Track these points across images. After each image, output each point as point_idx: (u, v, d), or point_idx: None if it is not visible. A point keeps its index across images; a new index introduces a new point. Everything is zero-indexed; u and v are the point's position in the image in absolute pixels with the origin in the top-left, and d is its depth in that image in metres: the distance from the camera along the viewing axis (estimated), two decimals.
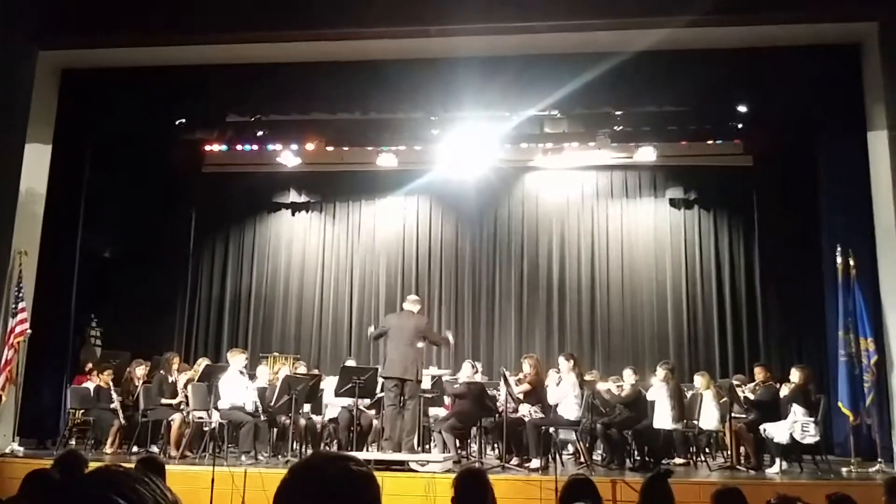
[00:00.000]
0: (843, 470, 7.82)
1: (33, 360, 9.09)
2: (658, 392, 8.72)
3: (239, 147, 11.71)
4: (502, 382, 8.47)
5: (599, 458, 8.86)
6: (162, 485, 1.15)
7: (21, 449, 8.57)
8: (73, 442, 9.48)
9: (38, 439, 9.32)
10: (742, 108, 9.85)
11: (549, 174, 12.71)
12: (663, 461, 8.39)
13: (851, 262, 8.19)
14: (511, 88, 9.09)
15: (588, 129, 10.58)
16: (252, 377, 9.32)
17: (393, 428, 7.85)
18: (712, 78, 9.06)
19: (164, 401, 9.02)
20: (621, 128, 10.42)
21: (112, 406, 9.17)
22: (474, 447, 8.91)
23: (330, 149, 11.63)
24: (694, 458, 8.81)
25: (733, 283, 12.13)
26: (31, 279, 9.15)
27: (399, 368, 7.89)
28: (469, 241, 12.97)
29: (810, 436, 7.88)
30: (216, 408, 8.54)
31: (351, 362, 10.40)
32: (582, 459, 8.38)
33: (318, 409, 9.45)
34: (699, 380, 9.12)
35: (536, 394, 8.55)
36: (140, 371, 9.44)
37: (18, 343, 8.75)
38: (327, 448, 9.20)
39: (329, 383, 9.19)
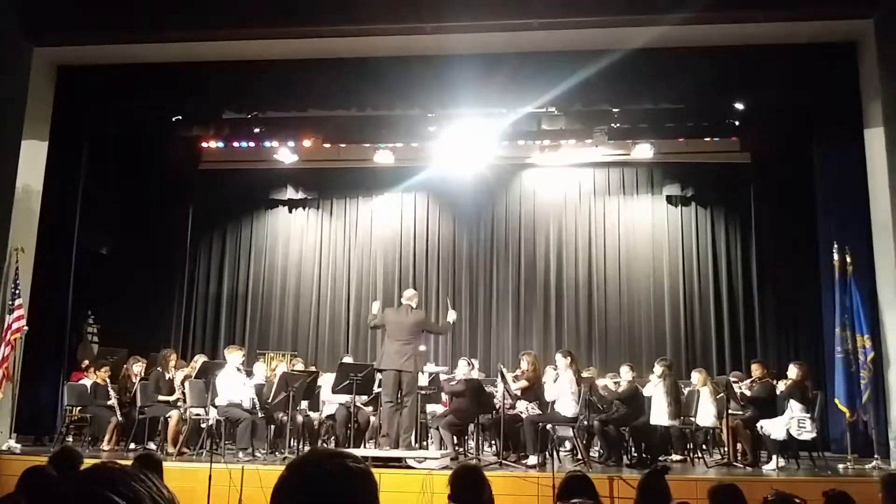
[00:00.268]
0: (840, 466, 7.83)
1: (30, 356, 9.08)
2: (655, 388, 8.73)
3: (236, 144, 11.71)
4: (499, 379, 8.48)
5: (596, 454, 8.89)
6: (158, 482, 1.15)
7: (18, 446, 8.57)
8: (70, 439, 9.48)
9: (35, 436, 9.33)
10: (739, 106, 9.87)
11: (546, 171, 12.71)
12: (660, 458, 8.38)
13: (848, 259, 8.21)
14: (508, 85, 9.09)
15: (585, 125, 10.57)
16: (249, 374, 9.32)
17: (390, 425, 7.84)
18: (709, 75, 9.07)
19: (161, 398, 9.01)
20: (618, 125, 10.42)
21: (109, 403, 9.16)
22: (472, 444, 8.93)
23: (327, 146, 11.63)
24: (691, 454, 8.83)
25: (730, 280, 12.15)
26: (28, 276, 9.14)
27: (396, 361, 7.88)
28: (466, 238, 12.97)
29: (807, 432, 7.89)
30: (213, 405, 8.54)
31: (348, 359, 10.41)
32: (579, 456, 8.39)
33: (315, 406, 9.46)
34: (696, 376, 9.14)
35: (534, 390, 8.56)
36: (137, 368, 9.42)
37: (15, 340, 8.75)
38: (325, 445, 9.21)
39: (326, 380, 9.19)
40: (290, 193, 13.19)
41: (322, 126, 10.87)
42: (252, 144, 11.65)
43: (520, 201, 12.91)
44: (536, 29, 8.64)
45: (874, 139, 8.49)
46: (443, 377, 9.45)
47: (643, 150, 11.39)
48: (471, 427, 8.79)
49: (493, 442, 9.11)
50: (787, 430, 7.87)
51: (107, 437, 9.04)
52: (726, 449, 8.58)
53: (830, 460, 8.20)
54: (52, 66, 9.63)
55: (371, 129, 10.94)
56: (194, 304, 13.01)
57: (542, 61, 9.03)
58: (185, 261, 12.59)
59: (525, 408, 8.49)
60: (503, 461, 7.92)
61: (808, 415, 7.99)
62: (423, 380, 8.84)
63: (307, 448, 8.70)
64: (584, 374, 9.00)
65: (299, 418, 8.96)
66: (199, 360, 9.72)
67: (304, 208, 13.41)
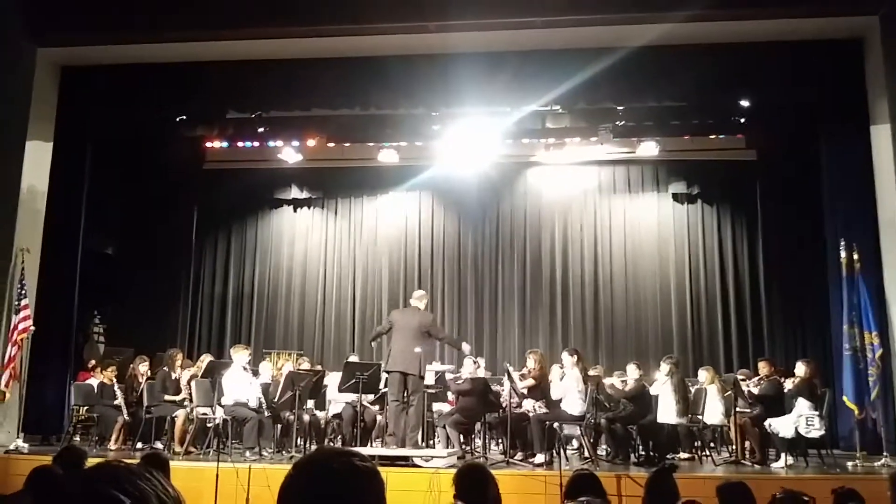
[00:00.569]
0: (849, 464, 7.79)
1: (37, 357, 9.10)
2: (662, 387, 8.70)
3: (240, 143, 11.69)
4: (506, 377, 8.47)
5: (604, 453, 8.87)
6: (164, 480, 1.14)
7: (25, 445, 8.58)
8: (77, 438, 9.50)
9: (42, 436, 9.37)
10: (745, 103, 9.81)
11: (551, 169, 12.69)
12: (668, 456, 8.37)
13: (855, 256, 8.17)
14: (512, 84, 9.08)
15: (590, 124, 10.53)
16: (255, 373, 9.33)
17: (397, 423, 7.84)
18: (714, 72, 9.04)
19: (167, 397, 9.02)
20: (623, 123, 10.38)
21: (116, 403, 9.18)
22: (479, 442, 8.92)
23: (331, 145, 11.61)
24: (699, 452, 8.80)
25: (737, 278, 12.11)
26: (34, 276, 9.17)
27: (401, 363, 7.88)
28: (471, 237, 12.96)
29: (815, 430, 7.87)
30: (220, 404, 8.56)
31: (354, 358, 10.40)
32: (586, 454, 8.38)
33: (321, 405, 9.46)
34: (703, 374, 9.11)
35: (540, 389, 8.55)
36: (143, 367, 9.44)
37: (22, 340, 8.77)
38: (331, 444, 9.21)
39: (332, 379, 9.19)
40: (295, 193, 13.20)
41: (326, 125, 10.85)
42: (256, 144, 11.63)
43: (525, 200, 12.89)
44: (540, 27, 8.63)
45: (880, 136, 8.46)
46: (449, 376, 9.44)
47: (648, 148, 11.35)
48: (477, 426, 8.79)
49: (499, 440, 9.09)
50: (796, 428, 7.85)
51: (114, 437, 9.06)
52: (734, 447, 8.55)
53: (839, 458, 8.17)
54: (55, 66, 9.65)
55: (375, 128, 10.93)
56: (200, 303, 13.03)
57: (545, 59, 9.01)
58: (191, 260, 12.60)
59: (532, 406, 8.48)
60: (510, 459, 7.91)
61: (817, 412, 7.96)
62: (430, 378, 8.83)
63: (314, 447, 8.71)
64: (591, 373, 8.99)
65: (306, 417, 8.97)
66: (206, 359, 9.75)
67: (308, 208, 13.41)
